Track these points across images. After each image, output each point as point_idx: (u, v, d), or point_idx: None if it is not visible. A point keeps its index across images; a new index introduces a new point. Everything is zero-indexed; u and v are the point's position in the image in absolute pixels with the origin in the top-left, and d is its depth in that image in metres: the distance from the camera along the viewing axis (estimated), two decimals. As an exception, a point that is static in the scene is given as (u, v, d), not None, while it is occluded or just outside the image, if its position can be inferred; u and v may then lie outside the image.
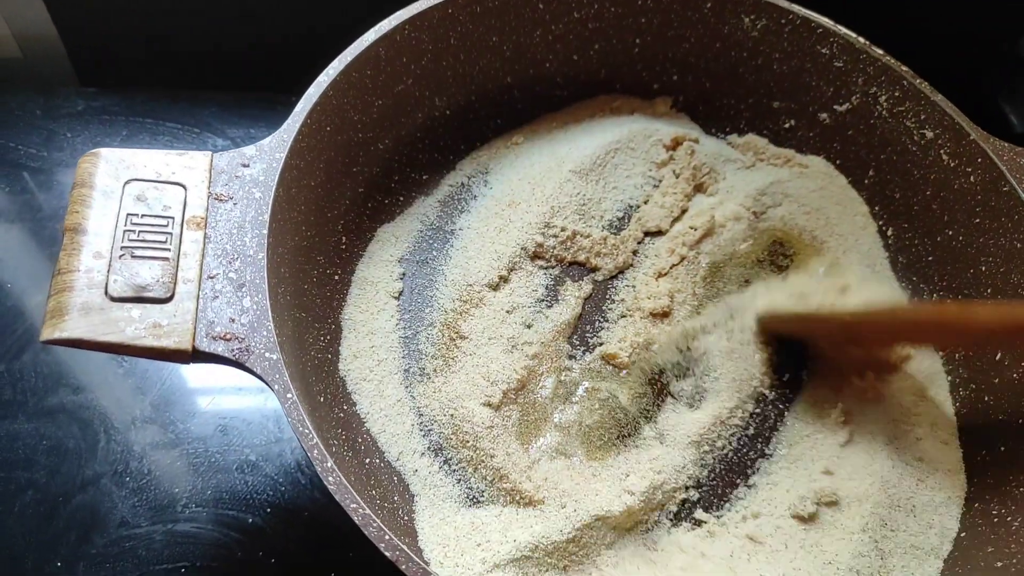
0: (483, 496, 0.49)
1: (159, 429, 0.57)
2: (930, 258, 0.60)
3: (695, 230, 0.60)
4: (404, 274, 0.58)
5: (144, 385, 0.59)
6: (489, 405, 0.51)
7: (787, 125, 0.65)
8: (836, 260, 0.60)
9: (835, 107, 0.62)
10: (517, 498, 0.48)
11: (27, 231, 0.66)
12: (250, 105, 0.75)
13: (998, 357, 0.53)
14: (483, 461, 0.50)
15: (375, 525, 0.38)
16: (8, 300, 0.62)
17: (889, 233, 0.62)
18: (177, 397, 0.59)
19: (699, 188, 0.63)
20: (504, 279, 0.56)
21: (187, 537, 0.53)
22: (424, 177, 0.63)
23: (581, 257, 0.59)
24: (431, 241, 0.60)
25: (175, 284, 0.42)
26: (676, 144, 0.64)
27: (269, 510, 0.55)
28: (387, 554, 0.37)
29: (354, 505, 0.38)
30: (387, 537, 0.37)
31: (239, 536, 0.54)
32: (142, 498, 0.54)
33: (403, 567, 0.37)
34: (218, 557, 0.53)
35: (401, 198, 0.61)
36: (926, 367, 0.56)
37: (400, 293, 0.57)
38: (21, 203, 0.67)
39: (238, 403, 0.59)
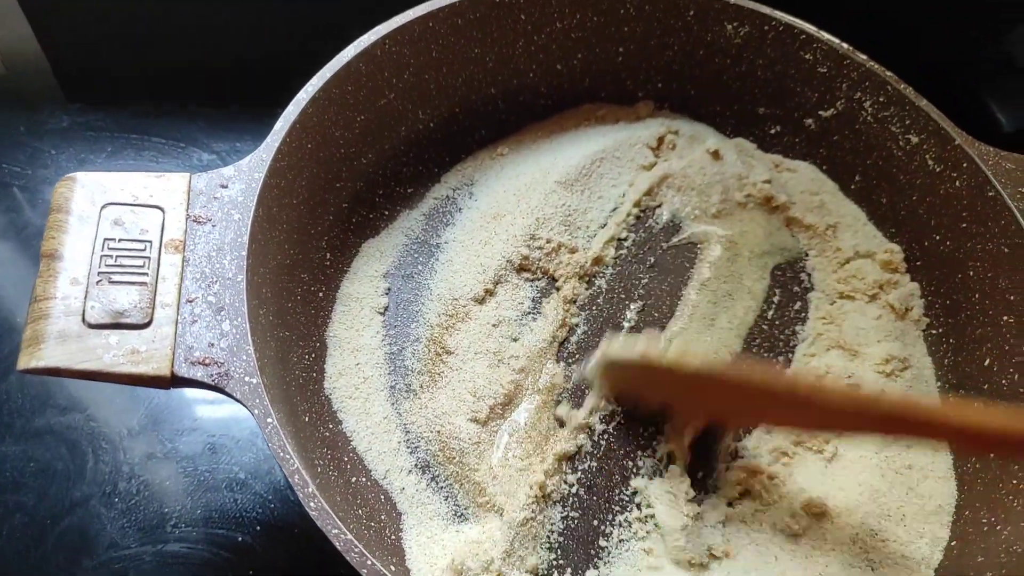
0: (468, 512, 0.49)
1: (147, 448, 0.57)
2: (918, 263, 0.59)
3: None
4: (389, 289, 0.58)
5: (132, 405, 0.59)
6: (476, 421, 0.51)
7: (773, 131, 0.65)
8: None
9: (820, 113, 0.62)
10: (490, 508, 0.48)
11: (14, 249, 0.66)
12: (236, 119, 0.75)
13: (987, 363, 0.53)
14: (467, 476, 0.49)
15: (357, 550, 0.37)
16: (-6, 321, 0.62)
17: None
18: (165, 416, 0.59)
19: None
20: (490, 292, 0.56)
21: (177, 557, 0.53)
22: (409, 191, 0.62)
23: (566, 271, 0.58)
24: (416, 255, 0.59)
25: (153, 309, 0.42)
26: (660, 143, 0.63)
27: (259, 528, 0.54)
28: (369, 581, 0.37)
29: (336, 531, 0.38)
30: (369, 562, 0.37)
31: (229, 555, 0.53)
32: (131, 519, 0.54)
33: (385, 594, 0.37)
34: (208, 578, 0.53)
35: (386, 212, 0.61)
36: (914, 374, 0.56)
37: (385, 309, 0.57)
38: (6, 221, 0.67)
39: (227, 421, 0.59)
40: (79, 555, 0.53)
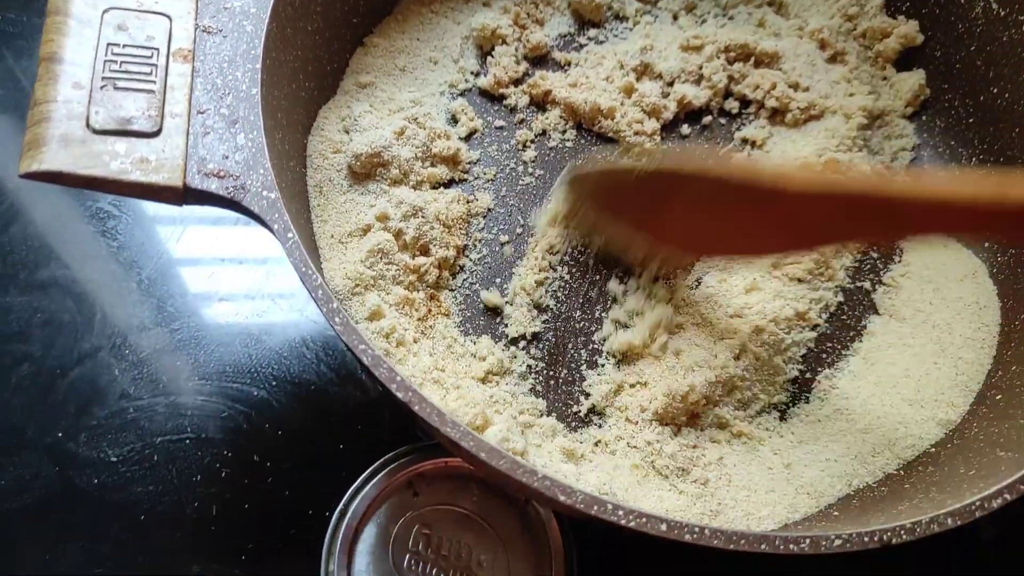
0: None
1: (156, 303, 0.55)
2: (971, 120, 0.56)
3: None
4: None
5: (139, 259, 0.56)
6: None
7: (822, -20, 0.61)
8: None
9: (877, -45, 0.58)
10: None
11: (7, 103, 0.63)
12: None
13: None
14: None
15: (385, 367, 0.35)
16: (-10, 175, 0.59)
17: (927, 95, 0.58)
18: (174, 270, 0.56)
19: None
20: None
21: (191, 409, 0.52)
22: (430, 36, 0.58)
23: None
24: (438, 102, 0.56)
25: (162, 118, 0.39)
26: None
27: (275, 383, 0.53)
28: (398, 395, 0.35)
29: (362, 346, 0.36)
30: (398, 379, 0.35)
31: (244, 408, 0.52)
32: (142, 371, 0.53)
33: (416, 408, 0.35)
34: (223, 429, 0.51)
35: (405, 57, 0.57)
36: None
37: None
38: (-1, 73, 0.63)
39: (236, 278, 0.56)
40: (90, 405, 0.51)
